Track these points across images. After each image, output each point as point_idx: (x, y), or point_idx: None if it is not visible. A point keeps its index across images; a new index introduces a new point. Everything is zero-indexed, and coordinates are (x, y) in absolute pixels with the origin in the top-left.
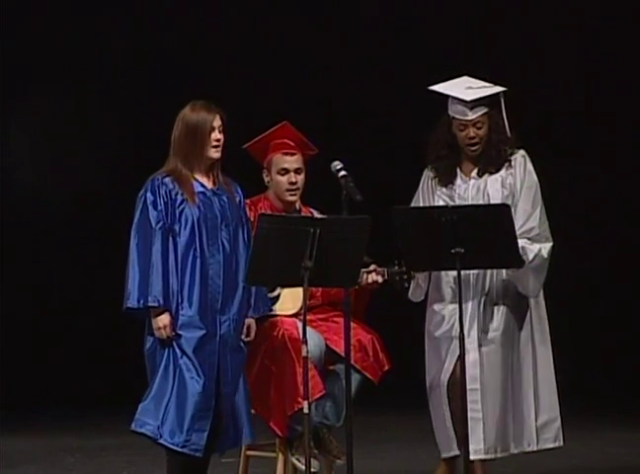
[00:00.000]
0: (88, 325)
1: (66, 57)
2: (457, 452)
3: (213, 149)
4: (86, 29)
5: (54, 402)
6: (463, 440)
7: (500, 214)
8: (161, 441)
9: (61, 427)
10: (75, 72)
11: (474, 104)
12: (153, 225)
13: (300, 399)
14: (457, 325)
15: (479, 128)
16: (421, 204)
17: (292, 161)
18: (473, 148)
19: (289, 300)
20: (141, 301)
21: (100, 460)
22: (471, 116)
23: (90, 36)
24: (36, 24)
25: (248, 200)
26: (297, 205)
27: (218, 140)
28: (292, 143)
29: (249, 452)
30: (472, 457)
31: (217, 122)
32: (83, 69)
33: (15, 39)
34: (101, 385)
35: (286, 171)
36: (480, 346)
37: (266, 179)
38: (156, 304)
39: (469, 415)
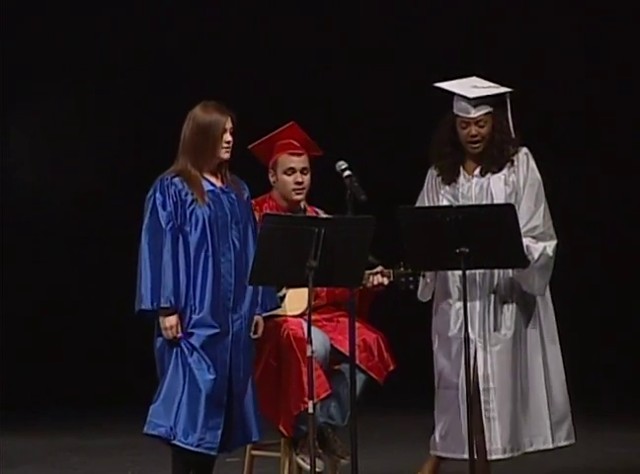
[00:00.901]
0: (88, 325)
1: (66, 57)
2: (467, 456)
3: (224, 150)
4: (86, 29)
5: (54, 402)
6: (478, 441)
7: (504, 214)
8: (175, 442)
9: (61, 427)
10: (75, 72)
11: (478, 102)
12: (163, 226)
13: (306, 399)
14: (468, 325)
15: (481, 127)
16: (426, 204)
17: (299, 161)
18: (474, 146)
19: (295, 301)
20: (154, 303)
21: (102, 460)
22: (474, 114)
23: (90, 36)
24: (36, 24)
25: (253, 200)
26: (302, 205)
27: (229, 142)
28: (298, 144)
29: (254, 452)
30: (490, 457)
31: (229, 125)
32: (83, 69)
33: (15, 39)
34: (101, 385)
35: (293, 171)
36: (491, 345)
37: (271, 179)
38: (168, 305)
39: (484, 415)
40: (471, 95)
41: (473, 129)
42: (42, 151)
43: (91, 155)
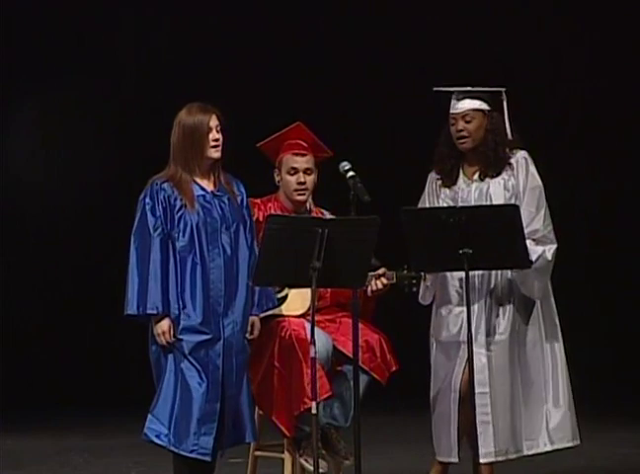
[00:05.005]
0: (95, 325)
1: (67, 57)
2: (456, 460)
3: (213, 149)
4: (87, 29)
5: (59, 402)
6: (473, 444)
7: (508, 215)
8: (171, 448)
9: (66, 427)
10: (76, 72)
11: (463, 96)
12: (151, 232)
13: (307, 399)
14: (466, 329)
15: (468, 122)
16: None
17: (302, 161)
18: (461, 141)
19: (298, 301)
20: (140, 308)
21: (108, 460)
22: (460, 108)
23: (91, 35)
24: (36, 24)
25: (258, 200)
26: (308, 206)
27: (217, 140)
28: (305, 144)
29: (257, 453)
30: (482, 461)
31: (214, 122)
32: (84, 69)
33: (15, 38)
34: (104, 386)
35: (296, 171)
36: (487, 349)
37: (276, 178)
38: (155, 312)
39: (478, 418)
40: (454, 89)
41: (460, 124)
42: (43, 152)
43: (92, 155)
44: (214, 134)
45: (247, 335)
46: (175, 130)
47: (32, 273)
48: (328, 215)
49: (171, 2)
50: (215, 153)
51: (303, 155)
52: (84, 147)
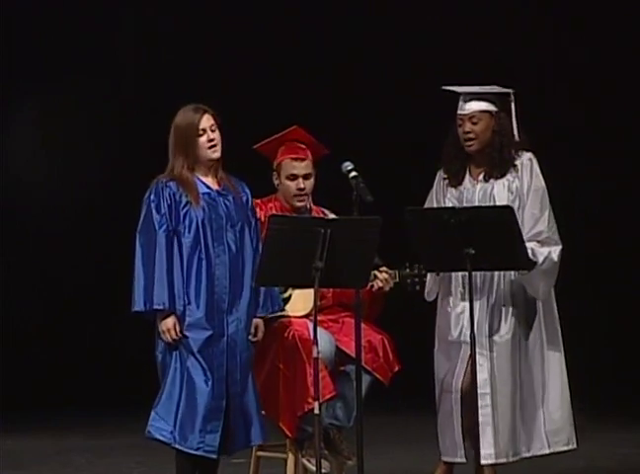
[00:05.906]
0: (95, 324)
1: (67, 57)
2: (463, 460)
3: (210, 150)
4: (87, 28)
5: (61, 402)
6: (474, 445)
7: (502, 215)
8: (175, 446)
9: (67, 427)
10: (76, 72)
11: (470, 98)
12: (157, 228)
13: (311, 399)
14: (466, 329)
15: (474, 124)
16: (434, 205)
17: (302, 167)
18: (468, 143)
19: (301, 301)
20: (147, 305)
21: (109, 460)
22: (467, 110)
23: (91, 35)
24: (36, 23)
25: (259, 200)
26: (308, 205)
27: (212, 140)
28: (303, 146)
29: (259, 453)
30: (483, 462)
31: (208, 122)
32: (84, 69)
33: (15, 38)
34: (106, 385)
35: (295, 177)
36: (489, 350)
37: (275, 181)
38: (161, 307)
39: (480, 419)
40: (460, 90)
41: (467, 126)
42: (43, 152)
43: (92, 155)
44: (209, 135)
45: (250, 337)
46: (171, 133)
47: (32, 273)
48: (329, 214)
49: (171, 2)
50: (214, 153)
51: (302, 160)
52: (84, 147)
